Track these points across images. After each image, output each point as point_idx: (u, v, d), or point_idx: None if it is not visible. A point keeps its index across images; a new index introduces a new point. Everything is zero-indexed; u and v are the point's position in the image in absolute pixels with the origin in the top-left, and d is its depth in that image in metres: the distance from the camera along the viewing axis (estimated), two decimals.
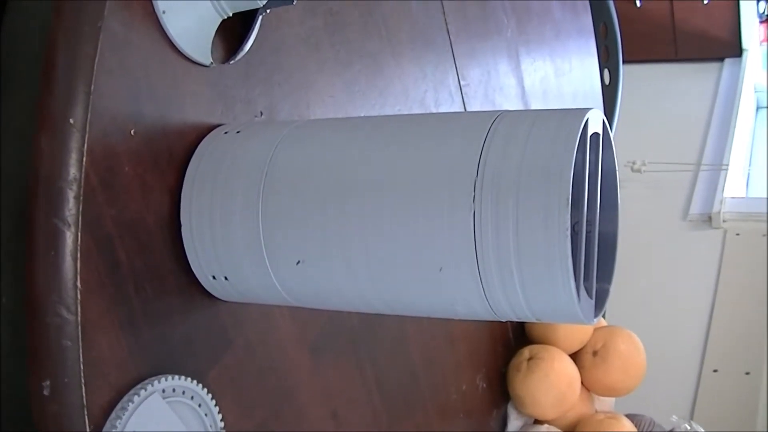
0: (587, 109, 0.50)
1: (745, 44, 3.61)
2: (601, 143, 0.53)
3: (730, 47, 3.63)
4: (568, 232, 0.45)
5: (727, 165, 2.97)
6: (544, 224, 0.46)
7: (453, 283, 0.49)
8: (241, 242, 0.54)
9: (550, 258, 0.46)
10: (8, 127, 0.55)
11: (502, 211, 0.47)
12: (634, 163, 2.94)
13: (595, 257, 0.53)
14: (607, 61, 1.72)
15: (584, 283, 0.50)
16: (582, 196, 0.50)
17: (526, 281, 0.47)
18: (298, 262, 0.53)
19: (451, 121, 0.54)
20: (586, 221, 0.51)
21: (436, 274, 0.49)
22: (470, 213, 0.47)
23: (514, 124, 0.49)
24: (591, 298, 0.52)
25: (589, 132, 0.50)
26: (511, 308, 0.50)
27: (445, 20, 0.95)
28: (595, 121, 0.51)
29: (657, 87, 3.47)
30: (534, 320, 0.51)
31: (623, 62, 1.73)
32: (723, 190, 2.86)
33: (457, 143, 0.50)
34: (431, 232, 0.48)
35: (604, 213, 0.54)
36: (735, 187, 2.99)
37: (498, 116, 0.50)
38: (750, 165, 3.37)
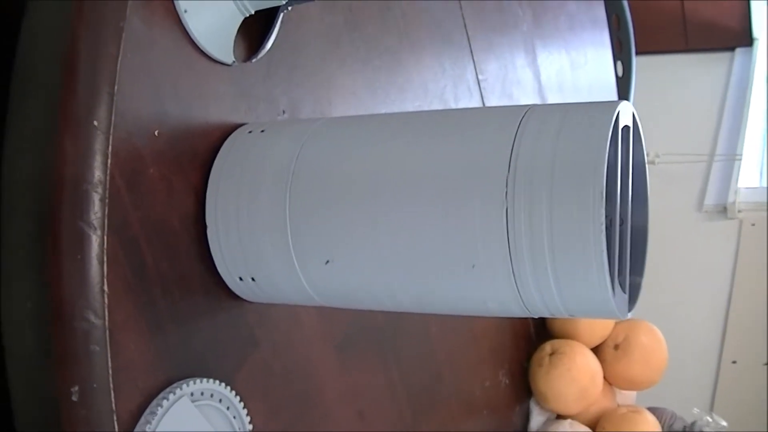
0: (618, 102, 0.49)
1: (755, 33, 3.58)
2: (631, 136, 0.52)
3: (741, 37, 3.60)
4: (603, 227, 0.45)
5: (741, 155, 2.95)
6: (578, 219, 0.45)
7: (486, 280, 0.48)
8: (268, 242, 0.54)
9: (585, 253, 0.45)
10: (27, 128, 0.54)
11: (536, 207, 0.46)
12: (647, 155, 2.92)
13: (628, 251, 0.52)
14: (620, 53, 1.71)
15: (618, 277, 0.49)
16: (614, 190, 0.49)
17: (561, 277, 0.47)
18: (327, 261, 0.52)
19: (479, 117, 0.53)
20: (618, 215, 0.50)
21: (469, 271, 0.48)
22: (503, 209, 0.46)
23: (545, 119, 0.49)
24: (624, 292, 0.51)
25: (620, 125, 0.49)
26: (544, 304, 0.49)
27: (462, 14, 0.94)
28: (626, 114, 0.50)
29: (668, 78, 3.44)
30: (567, 316, 0.50)
31: (635, 54, 1.72)
32: (737, 180, 2.84)
33: (488, 139, 0.49)
34: (463, 229, 0.48)
35: (634, 206, 0.54)
36: (749, 176, 2.97)
37: (528, 110, 0.50)
38: (764, 154, 3.35)
